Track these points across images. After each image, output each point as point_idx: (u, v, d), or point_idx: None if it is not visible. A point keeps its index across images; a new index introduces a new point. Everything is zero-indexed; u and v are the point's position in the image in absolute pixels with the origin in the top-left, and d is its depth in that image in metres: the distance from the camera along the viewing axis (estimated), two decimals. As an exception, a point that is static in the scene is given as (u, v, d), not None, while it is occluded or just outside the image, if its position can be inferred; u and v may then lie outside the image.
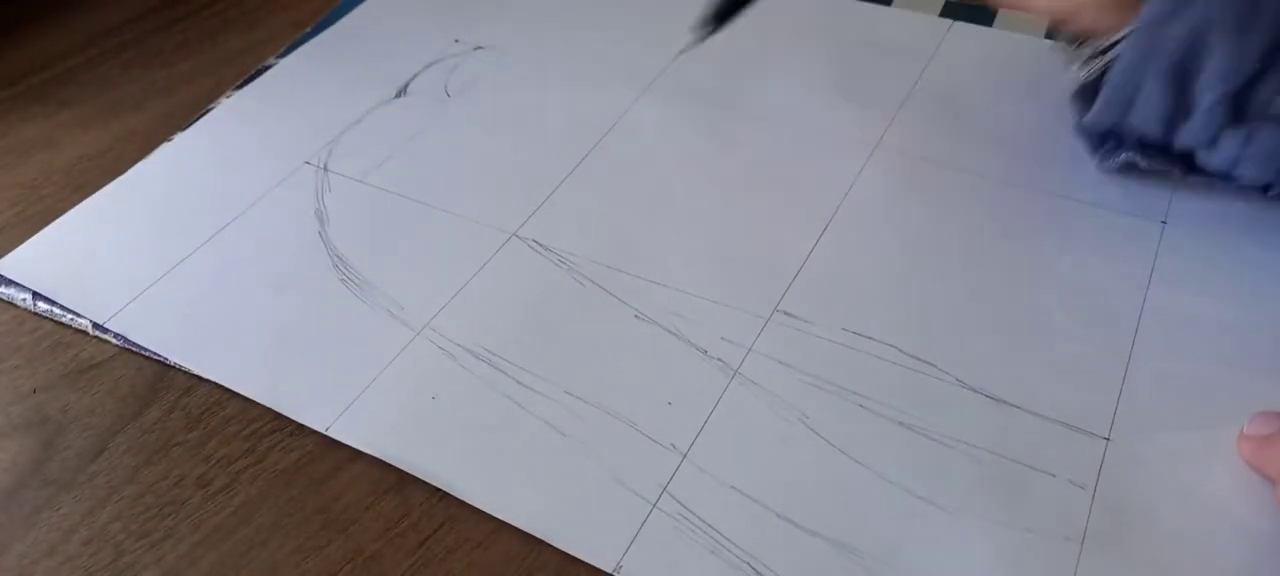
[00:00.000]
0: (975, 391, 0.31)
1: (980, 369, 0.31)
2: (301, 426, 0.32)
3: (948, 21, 0.46)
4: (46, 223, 0.40)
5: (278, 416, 0.33)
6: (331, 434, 0.31)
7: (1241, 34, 0.31)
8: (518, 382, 0.32)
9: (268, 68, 0.47)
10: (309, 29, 0.50)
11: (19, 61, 0.50)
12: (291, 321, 0.35)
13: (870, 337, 0.33)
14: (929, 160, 0.39)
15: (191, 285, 0.37)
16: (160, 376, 0.34)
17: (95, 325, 0.36)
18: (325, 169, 0.41)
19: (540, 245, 0.37)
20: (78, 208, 0.41)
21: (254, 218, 0.39)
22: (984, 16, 0.46)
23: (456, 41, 0.48)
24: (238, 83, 0.47)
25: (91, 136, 0.45)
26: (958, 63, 0.44)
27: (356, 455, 0.31)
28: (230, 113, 0.45)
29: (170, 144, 0.44)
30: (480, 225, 0.38)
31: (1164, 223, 0.36)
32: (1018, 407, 0.30)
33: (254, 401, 0.33)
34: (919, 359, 0.32)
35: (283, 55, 0.48)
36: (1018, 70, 0.43)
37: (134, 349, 0.35)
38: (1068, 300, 0.33)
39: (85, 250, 0.39)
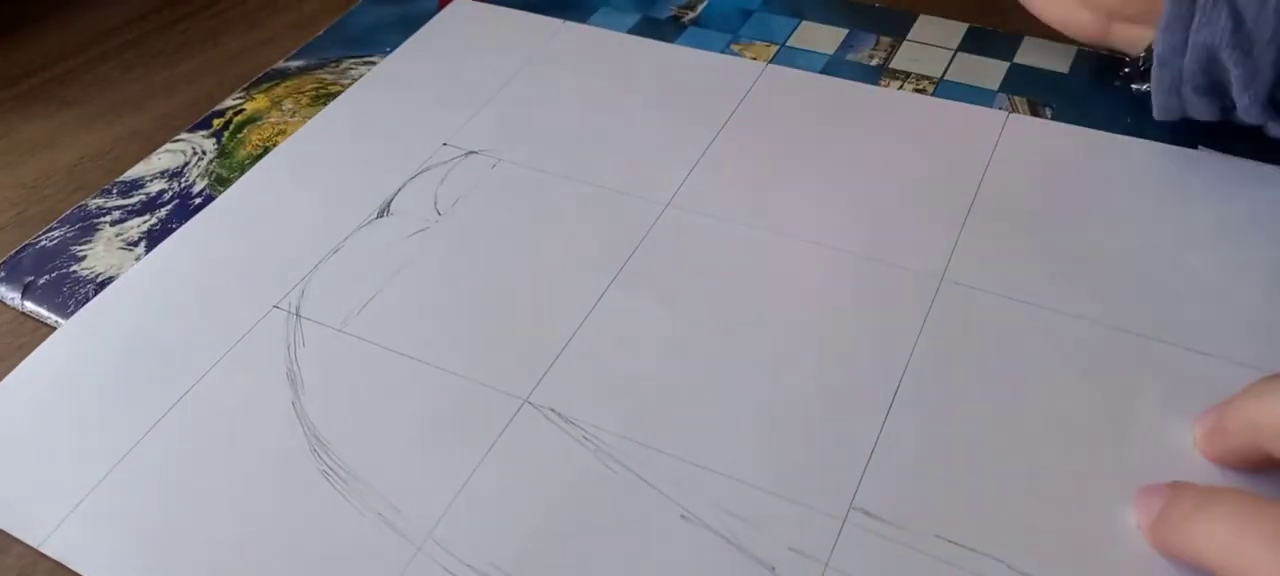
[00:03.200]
0: (1107, 622, 0.25)
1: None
2: None
3: (1002, 113, 0.40)
4: (47, 222, 0.40)
5: None
6: (319, 701, 0.26)
7: (1247, 54, 0.33)
8: (545, 617, 0.27)
9: (226, 187, 0.41)
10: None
11: (20, 61, 0.50)
12: (267, 534, 0.29)
13: (971, 548, 0.27)
14: (1008, 298, 0.33)
15: (140, 488, 0.30)
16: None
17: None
18: (297, 315, 0.35)
19: (558, 415, 0.31)
20: (4, 381, 0.34)
21: (214, 385, 0.33)
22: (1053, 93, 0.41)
23: (445, 145, 0.41)
24: (197, 205, 0.40)
25: (93, 137, 0.45)
26: (1019, 163, 0.38)
27: None
28: (183, 244, 0.39)
29: (113, 288, 0.37)
30: (484, 388, 0.32)
31: (1291, 373, 0.30)
32: (1161, 644, 0.25)
33: None
34: (1034, 578, 0.26)
35: (252, 87, 0.45)
36: (1100, 169, 0.37)
37: None
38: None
39: (7, 446, 0.32)
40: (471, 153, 0.41)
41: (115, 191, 0.41)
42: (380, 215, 0.39)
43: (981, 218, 0.36)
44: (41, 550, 0.29)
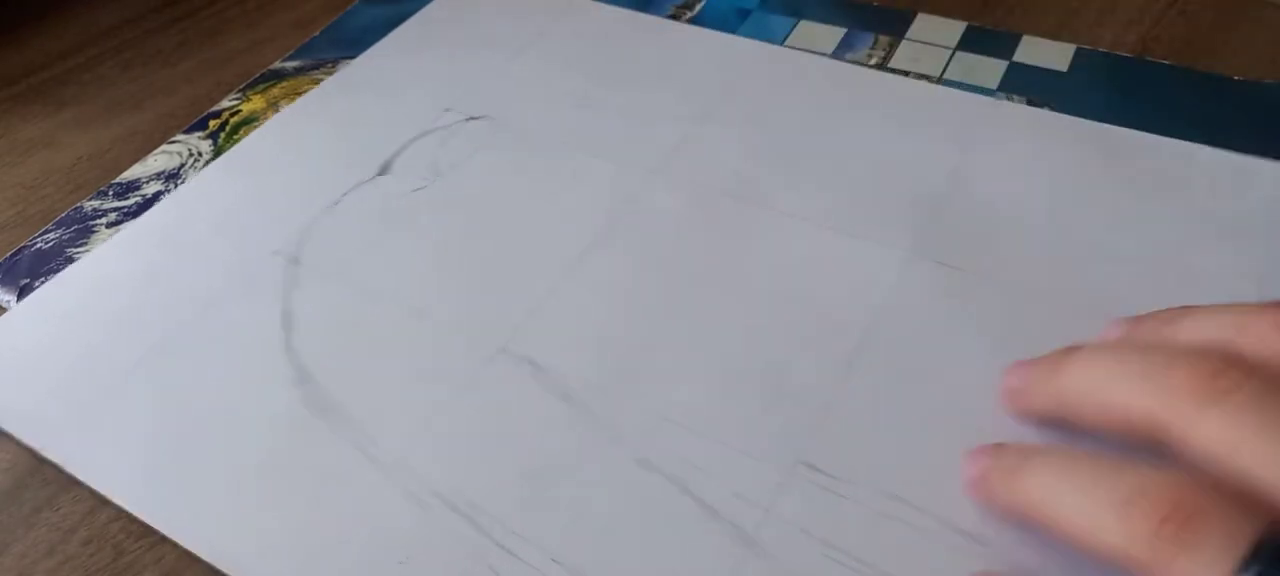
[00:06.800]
0: (1035, 580, 0.26)
1: (1043, 552, 0.27)
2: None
3: (994, 100, 0.41)
4: (46, 222, 0.40)
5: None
6: (282, 606, 0.27)
7: None
8: (499, 545, 0.28)
9: (225, 118, 0.43)
10: (305, 36, 0.46)
11: (19, 61, 0.50)
12: (247, 455, 0.31)
13: (909, 503, 0.28)
14: (974, 273, 0.34)
15: (138, 406, 0.33)
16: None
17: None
18: (296, 261, 0.37)
19: (531, 362, 0.33)
20: (16, 307, 0.37)
21: (212, 321, 0.35)
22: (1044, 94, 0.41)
23: (448, 110, 0.43)
24: (207, 156, 0.43)
25: (92, 136, 0.45)
26: (1007, 147, 0.39)
27: None
28: (195, 191, 0.41)
29: (131, 226, 0.39)
30: (466, 335, 0.34)
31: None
32: (1083, 603, 0.26)
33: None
34: (968, 536, 0.27)
35: (248, 88, 0.45)
36: (1081, 159, 0.38)
37: None
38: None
39: (20, 359, 0.35)
40: (473, 118, 0.43)
41: (111, 193, 0.41)
42: (381, 173, 0.41)
43: (962, 197, 0.37)
44: (41, 453, 0.31)
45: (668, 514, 0.28)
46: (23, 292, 0.37)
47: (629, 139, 0.41)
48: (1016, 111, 0.41)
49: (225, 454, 0.31)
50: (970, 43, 0.45)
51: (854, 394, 0.31)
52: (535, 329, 0.34)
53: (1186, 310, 0.28)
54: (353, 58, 0.47)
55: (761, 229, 0.37)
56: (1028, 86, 0.42)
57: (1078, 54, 0.43)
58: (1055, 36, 0.44)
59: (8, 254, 0.39)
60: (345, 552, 0.28)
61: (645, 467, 0.30)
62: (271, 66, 0.47)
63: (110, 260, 0.38)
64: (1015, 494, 0.26)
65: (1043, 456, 0.26)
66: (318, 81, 0.46)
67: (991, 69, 0.43)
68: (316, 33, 0.50)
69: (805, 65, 0.44)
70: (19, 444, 0.32)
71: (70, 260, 0.38)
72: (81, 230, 0.40)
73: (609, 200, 0.38)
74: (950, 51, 0.44)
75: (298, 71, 0.47)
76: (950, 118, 0.41)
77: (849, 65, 0.44)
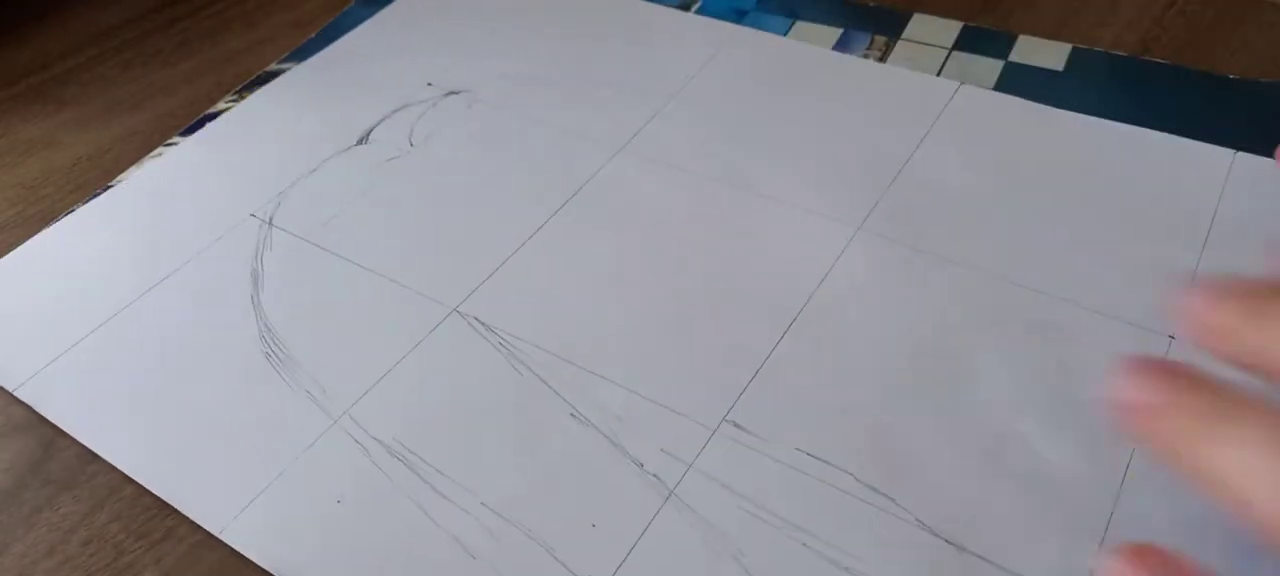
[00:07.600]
0: (935, 535, 0.27)
1: (945, 509, 0.28)
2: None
3: (953, 83, 0.42)
4: (46, 223, 0.40)
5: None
6: (225, 538, 0.29)
7: None
8: (432, 488, 0.29)
9: (220, 112, 0.45)
10: (295, 49, 0.47)
11: (19, 61, 0.50)
12: (207, 399, 0.33)
13: (824, 461, 0.29)
14: (917, 250, 0.35)
15: (110, 352, 0.35)
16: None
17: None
18: (270, 223, 0.39)
19: (481, 324, 0.34)
20: (4, 259, 0.39)
21: (188, 276, 0.37)
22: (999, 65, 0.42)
23: (429, 84, 0.45)
24: (194, 124, 0.44)
25: (92, 136, 0.45)
26: (961, 129, 0.39)
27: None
28: (181, 157, 0.43)
29: (113, 189, 0.41)
30: (421, 296, 0.35)
31: (1171, 338, 0.31)
32: (984, 559, 0.27)
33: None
34: (875, 490, 0.28)
35: (244, 89, 0.46)
36: (1035, 142, 0.39)
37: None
38: (1052, 427, 0.29)
39: (6, 306, 0.37)
40: (452, 93, 0.44)
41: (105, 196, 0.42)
42: (359, 143, 0.42)
43: (912, 177, 0.38)
44: (15, 394, 0.33)
45: (594, 465, 0.30)
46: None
47: (598, 116, 0.42)
48: (979, 97, 0.41)
49: (189, 391, 0.33)
50: (966, 42, 0.44)
51: (787, 359, 0.32)
52: (489, 292, 0.35)
53: None
54: (345, 59, 0.49)
55: (719, 203, 0.38)
56: (1025, 86, 0.42)
57: (1074, 53, 0.43)
58: (1055, 37, 0.44)
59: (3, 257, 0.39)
60: (287, 491, 0.30)
61: (577, 420, 0.31)
62: (267, 68, 0.48)
63: (92, 220, 0.40)
64: (1201, 460, 0.19)
65: (1242, 422, 0.19)
66: (312, 83, 0.47)
67: (988, 68, 0.43)
68: (315, 33, 0.50)
69: (771, 47, 0.45)
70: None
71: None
72: None
73: (573, 174, 0.39)
74: (947, 51, 0.44)
75: (292, 74, 0.48)
76: (909, 99, 0.41)
77: (808, 46, 0.44)
